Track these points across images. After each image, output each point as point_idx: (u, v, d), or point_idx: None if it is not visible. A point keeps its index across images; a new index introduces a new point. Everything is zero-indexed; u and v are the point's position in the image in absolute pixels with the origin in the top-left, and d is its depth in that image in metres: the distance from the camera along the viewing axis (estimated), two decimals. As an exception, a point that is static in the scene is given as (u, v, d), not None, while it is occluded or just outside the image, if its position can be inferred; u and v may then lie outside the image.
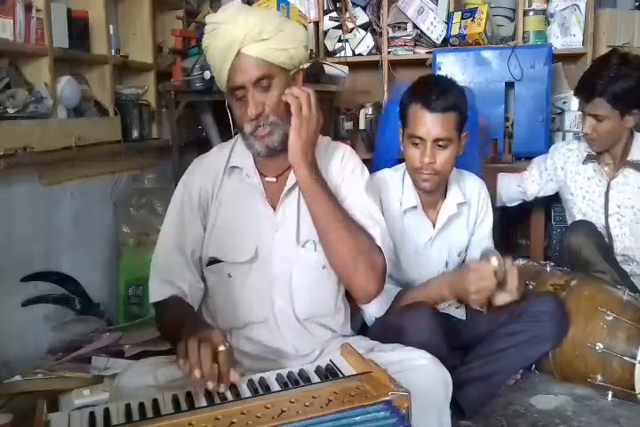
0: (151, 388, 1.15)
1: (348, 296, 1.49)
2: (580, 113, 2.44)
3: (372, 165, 2.11)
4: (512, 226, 3.05)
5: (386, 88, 3.36)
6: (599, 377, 1.80)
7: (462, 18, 3.04)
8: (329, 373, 1.09)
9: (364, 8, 3.34)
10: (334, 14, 3.36)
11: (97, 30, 2.48)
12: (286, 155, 1.31)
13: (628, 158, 2.19)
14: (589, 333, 1.82)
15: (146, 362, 1.29)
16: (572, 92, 2.27)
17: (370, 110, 3.38)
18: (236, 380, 1.05)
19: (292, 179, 1.37)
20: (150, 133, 2.87)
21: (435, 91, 1.69)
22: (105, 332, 2.20)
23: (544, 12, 3.16)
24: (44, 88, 2.09)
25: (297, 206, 1.39)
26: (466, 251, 1.95)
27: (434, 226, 1.86)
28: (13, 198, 2.02)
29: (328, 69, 2.80)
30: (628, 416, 1.72)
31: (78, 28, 2.37)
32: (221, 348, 1.05)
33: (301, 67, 1.39)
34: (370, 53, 3.37)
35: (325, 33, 3.39)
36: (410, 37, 3.27)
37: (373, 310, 1.73)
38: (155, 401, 1.01)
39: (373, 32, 3.37)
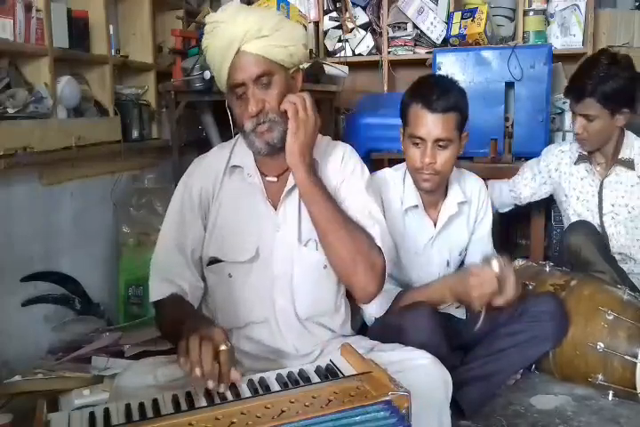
0: (151, 388, 1.15)
1: (349, 296, 1.49)
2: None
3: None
4: (512, 226, 3.06)
5: (386, 88, 3.37)
6: (600, 377, 1.80)
7: (462, 18, 3.04)
8: (329, 373, 1.09)
9: (364, 8, 3.35)
10: (334, 14, 3.37)
11: (97, 30, 2.48)
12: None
13: (619, 156, 2.19)
14: (590, 332, 1.82)
15: (146, 362, 1.29)
16: (563, 93, 2.27)
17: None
18: (236, 379, 1.05)
19: (292, 179, 1.37)
20: (150, 133, 2.87)
21: (435, 91, 1.69)
22: (105, 332, 2.20)
23: (544, 12, 3.16)
24: (43, 88, 2.09)
25: (298, 206, 1.39)
26: (466, 250, 1.95)
27: (435, 225, 1.86)
28: (13, 198, 2.02)
29: (328, 69, 2.81)
30: (629, 416, 1.72)
31: (78, 28, 2.37)
32: (223, 347, 1.05)
33: (301, 66, 1.39)
34: (370, 53, 3.37)
35: (325, 33, 3.39)
36: (410, 37, 3.27)
37: (373, 310, 1.73)
38: (155, 401, 1.01)
39: (373, 32, 3.37)
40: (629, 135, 2.21)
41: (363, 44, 3.35)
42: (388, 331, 1.58)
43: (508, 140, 2.78)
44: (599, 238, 2.17)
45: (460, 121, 1.72)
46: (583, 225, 2.19)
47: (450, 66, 2.83)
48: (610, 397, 1.81)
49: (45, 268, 2.17)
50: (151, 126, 2.88)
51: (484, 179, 1.99)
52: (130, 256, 2.52)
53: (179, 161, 2.70)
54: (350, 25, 3.32)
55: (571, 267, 2.15)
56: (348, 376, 1.05)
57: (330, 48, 3.39)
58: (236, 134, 1.49)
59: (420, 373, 1.19)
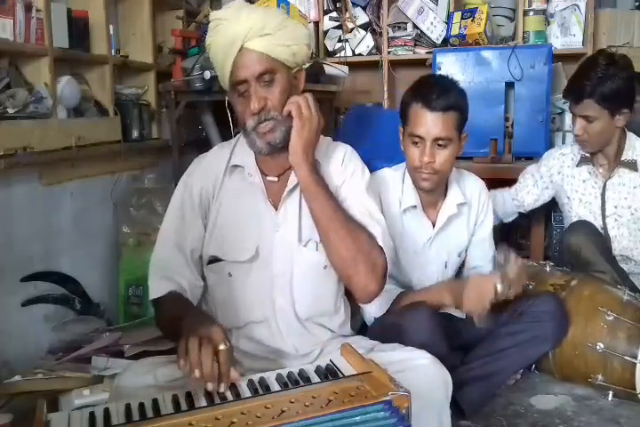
0: (151, 388, 1.15)
1: (349, 296, 1.49)
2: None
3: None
4: (512, 226, 3.05)
5: (386, 88, 3.37)
6: (600, 377, 1.80)
7: (462, 18, 3.04)
8: (329, 373, 1.09)
9: (364, 8, 3.34)
10: (334, 14, 3.36)
11: (97, 30, 2.48)
12: (287, 154, 1.31)
13: (622, 158, 2.18)
14: (590, 333, 1.82)
15: (145, 362, 1.29)
16: (562, 95, 2.26)
17: (370, 110, 3.38)
18: (235, 379, 1.05)
19: (293, 179, 1.37)
20: (150, 133, 2.87)
21: (435, 90, 1.69)
22: (105, 332, 2.20)
23: (544, 12, 3.16)
24: (43, 88, 2.09)
25: (298, 206, 1.39)
26: (466, 251, 1.95)
27: (433, 226, 1.86)
28: (13, 198, 2.02)
29: (328, 69, 2.81)
30: (629, 416, 1.72)
31: (78, 28, 2.37)
32: (222, 347, 1.05)
33: (304, 66, 1.39)
34: (370, 53, 3.37)
35: (325, 33, 3.39)
36: (410, 37, 3.27)
37: (373, 310, 1.73)
38: (155, 401, 1.01)
39: (373, 32, 3.37)
40: (631, 137, 2.20)
41: (363, 44, 3.35)
42: (388, 331, 1.58)
43: (508, 140, 2.78)
44: (599, 238, 2.16)
45: (460, 121, 1.72)
46: (583, 225, 2.18)
47: (450, 66, 2.83)
48: (610, 397, 1.81)
49: (45, 268, 2.17)
50: (151, 126, 2.88)
51: (484, 179, 1.99)
52: (130, 256, 2.51)
53: (179, 161, 2.70)
54: (350, 25, 3.32)
55: (571, 267, 2.15)
56: (348, 376, 1.05)
57: (330, 48, 3.39)
58: (235, 134, 1.49)
59: (419, 373, 1.19)
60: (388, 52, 3.32)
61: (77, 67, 2.46)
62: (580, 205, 2.26)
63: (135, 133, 2.69)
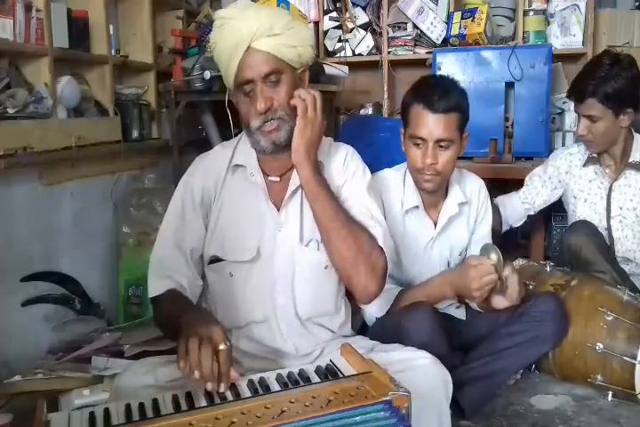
0: (151, 388, 1.15)
1: (349, 296, 1.49)
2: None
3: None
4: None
5: (386, 88, 3.37)
6: (599, 377, 1.80)
7: (462, 18, 3.04)
8: (329, 373, 1.09)
9: (364, 8, 3.34)
10: (334, 14, 3.36)
11: (97, 30, 2.48)
12: (289, 153, 1.31)
13: (630, 160, 2.18)
14: (589, 333, 1.82)
15: (145, 362, 1.29)
16: (566, 95, 2.26)
17: (370, 110, 3.38)
18: (235, 378, 1.05)
19: (296, 180, 1.37)
20: (150, 133, 2.87)
21: (436, 91, 1.69)
22: (105, 332, 2.20)
23: (544, 12, 3.16)
24: (43, 88, 2.09)
25: (300, 206, 1.39)
26: (466, 250, 1.95)
27: (435, 226, 1.86)
28: (13, 198, 2.02)
29: (328, 69, 2.80)
30: (628, 416, 1.72)
31: (78, 28, 2.37)
32: (222, 347, 1.05)
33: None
34: (370, 53, 3.37)
35: (325, 33, 3.39)
36: (410, 37, 3.27)
37: (374, 310, 1.73)
38: (155, 401, 1.01)
39: (373, 32, 3.36)
40: (638, 138, 2.20)
41: (363, 44, 3.35)
42: (388, 331, 1.58)
43: (508, 140, 2.78)
44: (600, 238, 2.16)
45: (461, 121, 1.72)
46: (584, 225, 2.18)
47: (450, 66, 2.83)
48: (609, 397, 1.81)
49: (45, 268, 2.17)
50: (151, 126, 2.88)
51: (484, 179, 1.99)
52: (130, 256, 2.52)
53: (179, 161, 2.71)
54: (350, 25, 3.32)
55: (571, 267, 2.15)
56: (348, 376, 1.05)
57: (330, 48, 3.39)
58: (235, 134, 1.49)
59: (420, 373, 1.19)
60: (388, 52, 3.32)
61: (77, 67, 2.46)
62: (584, 206, 2.26)
63: (135, 133, 2.69)
